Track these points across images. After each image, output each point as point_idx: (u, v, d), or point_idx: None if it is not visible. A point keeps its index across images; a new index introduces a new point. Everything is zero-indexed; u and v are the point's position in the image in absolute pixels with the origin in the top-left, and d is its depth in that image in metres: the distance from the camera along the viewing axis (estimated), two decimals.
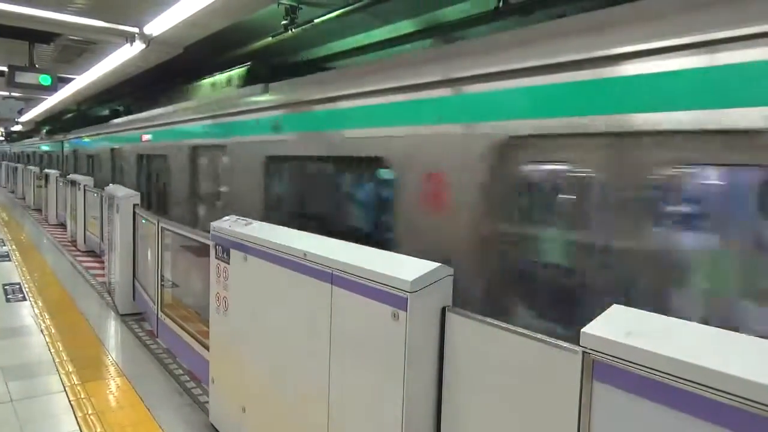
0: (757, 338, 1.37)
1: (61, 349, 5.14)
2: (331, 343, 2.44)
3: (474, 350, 1.98)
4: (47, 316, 6.15)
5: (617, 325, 1.47)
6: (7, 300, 6.78)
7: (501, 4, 4.76)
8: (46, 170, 16.02)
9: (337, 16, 5.72)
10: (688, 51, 1.95)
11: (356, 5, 5.38)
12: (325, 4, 5.77)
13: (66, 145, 16.35)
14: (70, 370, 4.65)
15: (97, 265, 9.26)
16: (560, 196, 2.54)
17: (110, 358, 5.04)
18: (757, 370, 1.21)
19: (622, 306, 1.61)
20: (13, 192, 24.10)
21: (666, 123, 1.99)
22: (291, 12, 6.01)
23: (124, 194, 6.51)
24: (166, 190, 7.36)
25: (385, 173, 3.49)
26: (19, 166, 23.55)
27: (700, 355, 1.30)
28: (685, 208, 2.11)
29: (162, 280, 5.38)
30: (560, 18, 2.83)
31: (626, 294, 2.18)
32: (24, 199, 20.66)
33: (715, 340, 1.39)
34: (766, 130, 1.73)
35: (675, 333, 1.42)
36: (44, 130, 21.71)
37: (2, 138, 32.71)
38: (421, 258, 2.23)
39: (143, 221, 6.10)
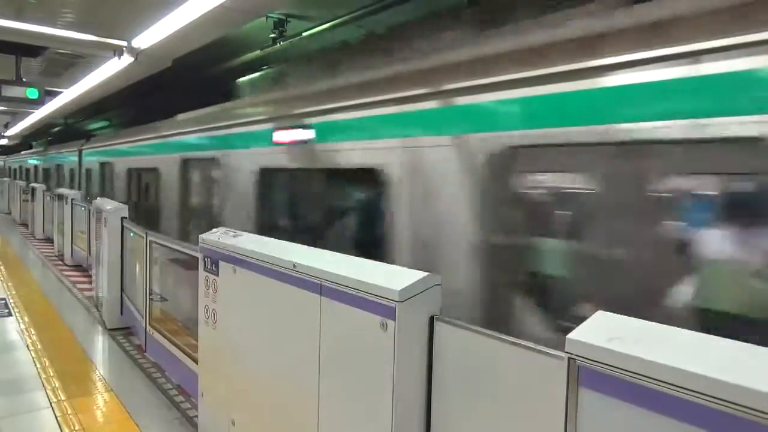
0: (741, 342, 1.39)
1: (47, 364, 5.07)
2: (321, 353, 2.44)
3: (462, 359, 2.00)
4: (33, 332, 6.07)
5: (602, 331, 1.49)
6: None
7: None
8: (32, 184, 16.12)
9: (326, 29, 5.77)
10: None
11: (344, 18, 5.43)
12: (313, 17, 5.82)
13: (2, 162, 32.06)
14: (57, 385, 4.59)
15: (84, 279, 9.16)
16: None
17: (98, 373, 4.98)
18: (741, 373, 1.24)
19: (607, 312, 1.63)
20: None
21: None
22: (279, 25, 6.05)
23: (112, 207, 6.47)
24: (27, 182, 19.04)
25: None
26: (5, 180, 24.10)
27: (684, 359, 1.32)
28: None
29: (150, 294, 5.35)
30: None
31: None
32: (10, 213, 20.43)
33: (699, 344, 1.41)
34: None
35: (658, 337, 1.44)
36: None
37: None
38: None
39: (131, 234, 6.06)
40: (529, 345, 1.75)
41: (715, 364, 1.28)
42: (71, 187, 13.75)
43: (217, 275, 3.38)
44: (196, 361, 3.84)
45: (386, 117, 3.49)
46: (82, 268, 9.95)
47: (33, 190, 15.24)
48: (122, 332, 6.18)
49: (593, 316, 1.61)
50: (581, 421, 1.48)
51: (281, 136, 4.63)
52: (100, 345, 5.88)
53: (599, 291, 2.45)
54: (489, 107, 2.85)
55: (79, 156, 13.52)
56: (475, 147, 2.90)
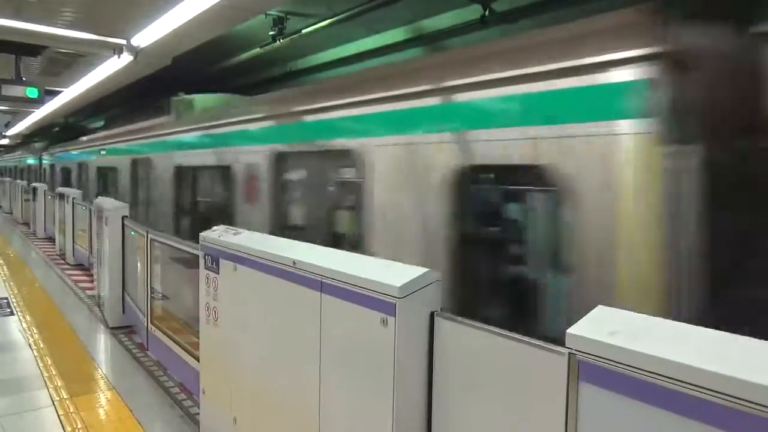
0: (741, 336, 1.39)
1: (49, 363, 5.08)
2: (321, 350, 2.44)
3: (463, 354, 1.99)
4: (35, 331, 6.08)
5: (602, 326, 1.48)
6: None
7: (487, 13, 4.82)
8: (34, 184, 16.11)
9: (325, 26, 5.77)
10: None
11: (343, 15, 5.43)
12: (312, 14, 5.81)
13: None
14: (59, 384, 4.60)
15: (86, 278, 9.18)
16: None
17: (100, 371, 4.99)
18: (742, 367, 1.23)
19: (607, 307, 1.63)
20: (0, 206, 23.91)
21: None
22: (279, 22, 6.05)
23: (113, 206, 6.47)
24: None
25: None
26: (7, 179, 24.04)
27: (684, 353, 1.31)
28: None
29: (152, 292, 5.35)
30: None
31: None
32: (12, 213, 20.47)
33: (700, 338, 1.41)
34: None
35: (659, 332, 1.43)
36: None
37: None
38: None
39: (132, 233, 6.06)
40: (530, 340, 1.74)
41: (715, 358, 1.27)
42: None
43: (218, 273, 3.38)
44: (197, 358, 3.85)
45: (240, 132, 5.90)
46: (83, 267, 9.97)
47: (34, 189, 15.26)
48: (124, 331, 6.20)
49: (593, 310, 1.60)
50: (582, 416, 1.48)
51: None
52: (102, 343, 5.90)
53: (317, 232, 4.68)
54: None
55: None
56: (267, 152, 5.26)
